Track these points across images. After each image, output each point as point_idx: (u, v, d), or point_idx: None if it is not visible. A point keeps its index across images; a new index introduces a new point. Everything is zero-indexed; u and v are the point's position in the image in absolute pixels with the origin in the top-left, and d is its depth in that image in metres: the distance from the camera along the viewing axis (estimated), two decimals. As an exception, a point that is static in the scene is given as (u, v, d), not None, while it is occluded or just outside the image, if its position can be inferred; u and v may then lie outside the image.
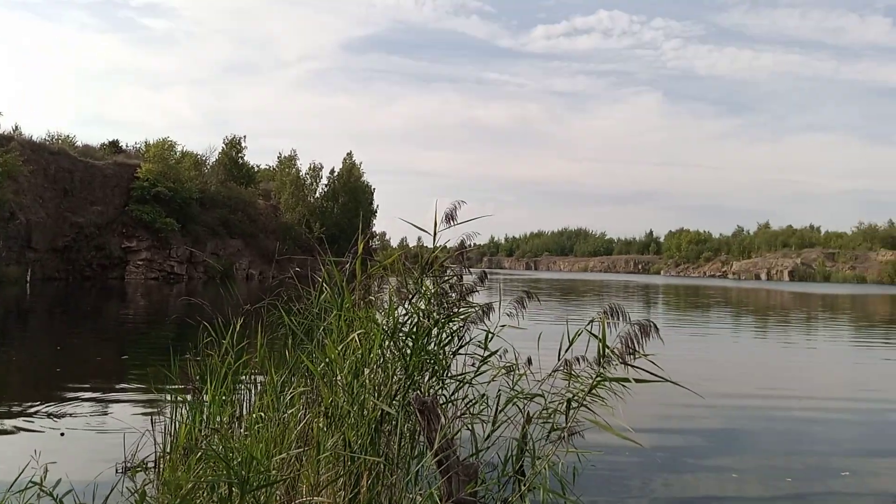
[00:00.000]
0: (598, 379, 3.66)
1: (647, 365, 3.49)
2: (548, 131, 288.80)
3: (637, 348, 3.42)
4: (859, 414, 9.68)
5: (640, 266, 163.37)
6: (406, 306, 4.72)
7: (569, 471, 4.16)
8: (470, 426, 4.37)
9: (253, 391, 5.64)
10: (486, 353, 4.69)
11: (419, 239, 5.12)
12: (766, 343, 20.08)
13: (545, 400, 4.03)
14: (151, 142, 53.25)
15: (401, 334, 4.45)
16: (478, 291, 5.00)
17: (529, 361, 4.72)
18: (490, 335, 4.71)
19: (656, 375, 3.50)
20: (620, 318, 3.55)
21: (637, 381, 3.53)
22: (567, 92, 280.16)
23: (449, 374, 4.69)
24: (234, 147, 66.47)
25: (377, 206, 75.78)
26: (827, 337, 21.47)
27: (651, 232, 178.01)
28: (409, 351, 4.36)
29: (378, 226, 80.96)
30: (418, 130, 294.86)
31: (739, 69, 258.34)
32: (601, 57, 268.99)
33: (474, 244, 4.97)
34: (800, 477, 6.51)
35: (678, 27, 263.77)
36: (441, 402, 4.42)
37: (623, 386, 3.67)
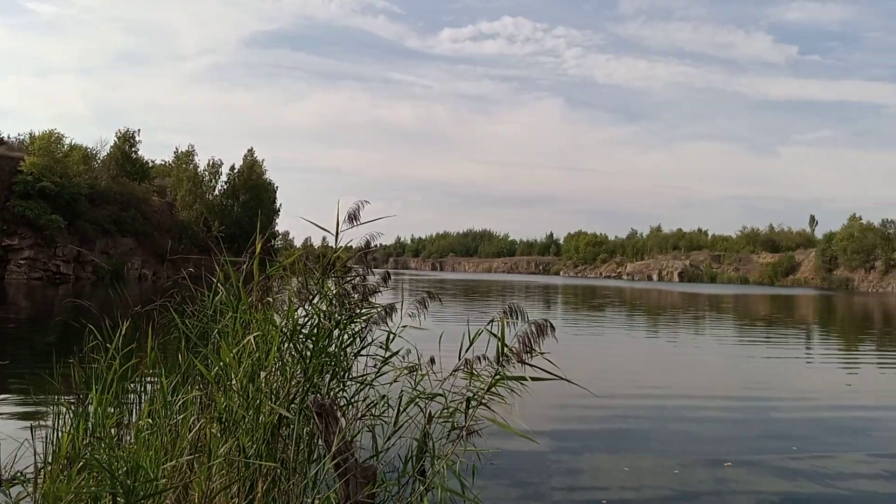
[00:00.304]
0: (497, 378, 3.72)
1: (544, 364, 3.57)
2: (453, 133, 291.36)
3: (534, 347, 3.49)
4: (743, 411, 10.26)
5: (541, 267, 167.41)
6: (307, 307, 4.63)
7: (468, 469, 4.20)
8: (371, 428, 4.34)
9: (143, 397, 5.38)
10: (388, 354, 4.67)
11: (324, 239, 5.02)
12: (657, 342, 21.01)
13: (446, 399, 4.06)
14: (36, 133, 50.12)
15: (300, 336, 4.36)
16: (381, 292, 4.97)
17: (432, 361, 4.73)
18: (392, 336, 4.69)
19: (553, 374, 3.59)
20: (519, 318, 3.61)
21: (534, 379, 3.61)
22: (472, 95, 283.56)
23: (350, 376, 4.64)
24: (126, 141, 63.20)
25: (280, 204, 74.15)
26: (714, 336, 22.70)
27: (551, 234, 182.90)
28: (308, 353, 4.28)
29: (281, 225, 79.39)
30: (324, 128, 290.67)
31: (636, 78, 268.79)
32: (506, 62, 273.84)
33: (379, 244, 4.93)
34: (687, 470, 6.84)
35: (579, 36, 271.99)
36: (342, 404, 4.37)
37: (521, 384, 3.74)
